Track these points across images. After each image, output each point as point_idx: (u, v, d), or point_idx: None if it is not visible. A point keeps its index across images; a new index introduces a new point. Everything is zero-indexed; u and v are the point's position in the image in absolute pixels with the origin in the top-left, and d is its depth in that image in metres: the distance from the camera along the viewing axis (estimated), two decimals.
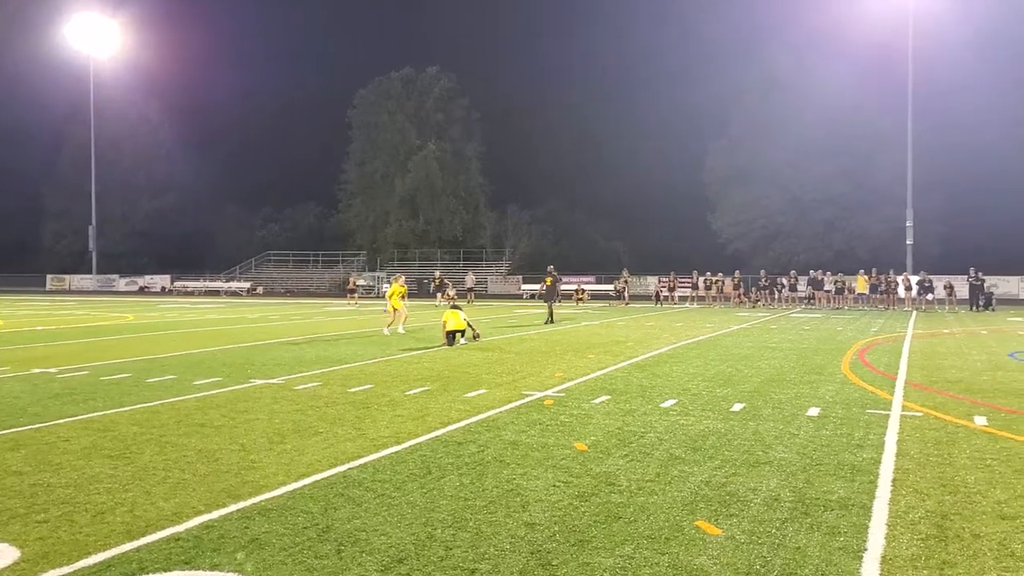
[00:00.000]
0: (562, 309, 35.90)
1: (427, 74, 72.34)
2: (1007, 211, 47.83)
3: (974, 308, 36.19)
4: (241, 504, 5.98)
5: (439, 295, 43.13)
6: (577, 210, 71.45)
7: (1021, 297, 43.72)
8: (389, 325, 21.48)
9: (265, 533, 5.35)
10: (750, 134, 58.80)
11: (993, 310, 35.35)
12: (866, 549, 5.04)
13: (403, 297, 21.72)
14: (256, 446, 7.92)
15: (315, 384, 12.04)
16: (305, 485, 6.50)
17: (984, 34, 48.72)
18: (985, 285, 36.87)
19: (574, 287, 45.84)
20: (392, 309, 21.42)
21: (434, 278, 46.16)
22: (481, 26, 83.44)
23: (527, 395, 10.91)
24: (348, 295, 45.11)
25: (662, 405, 10.18)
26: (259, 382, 12.27)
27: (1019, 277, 44.47)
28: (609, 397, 10.80)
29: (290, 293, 62.34)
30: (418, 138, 71.23)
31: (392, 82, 72.93)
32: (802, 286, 41.33)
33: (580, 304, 42.29)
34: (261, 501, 6.06)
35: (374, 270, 65.81)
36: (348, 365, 14.44)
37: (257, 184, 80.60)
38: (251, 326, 25.66)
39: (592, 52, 73.82)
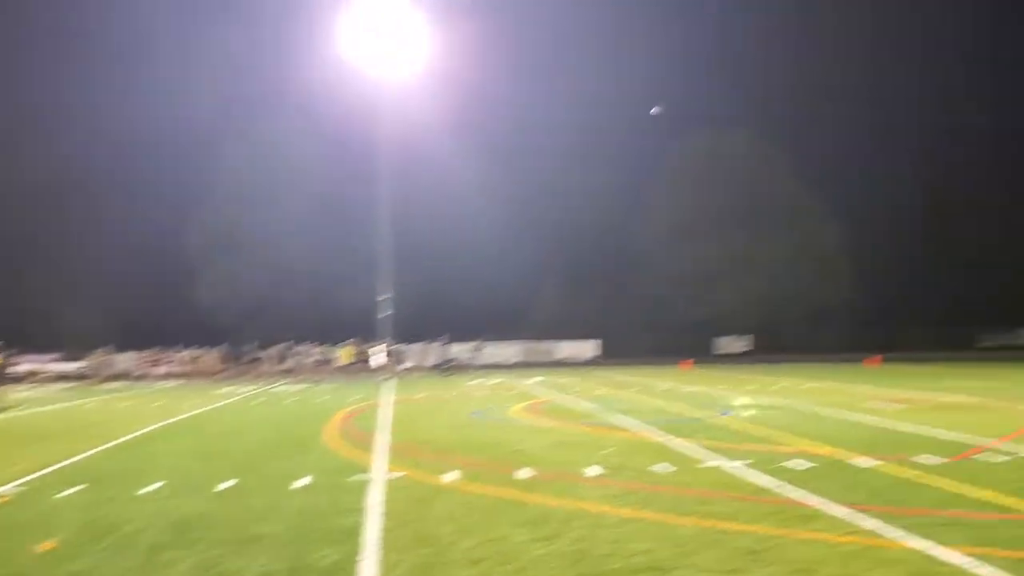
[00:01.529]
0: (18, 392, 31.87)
1: None
2: (470, 285, 53.94)
3: (439, 373, 39.96)
4: None
5: None
6: (31, 277, 63.37)
7: (475, 363, 48.91)
8: None
9: None
10: (238, 204, 58.66)
11: (453, 375, 39.37)
12: None
13: None
14: None
15: None
16: None
17: (454, 121, 54.89)
18: (451, 352, 41.02)
19: (27, 367, 40.69)
20: None
21: None
22: None
23: None
24: None
25: (146, 489, 9.52)
26: None
27: (471, 344, 49.78)
28: (85, 486, 9.79)
29: None
30: None
31: None
32: (287, 358, 41.94)
33: (34, 387, 37.86)
34: None
35: None
36: None
37: None
38: None
39: (64, 103, 67.65)
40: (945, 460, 10.42)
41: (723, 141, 51.68)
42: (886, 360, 39.23)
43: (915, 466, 10.05)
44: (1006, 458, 10.61)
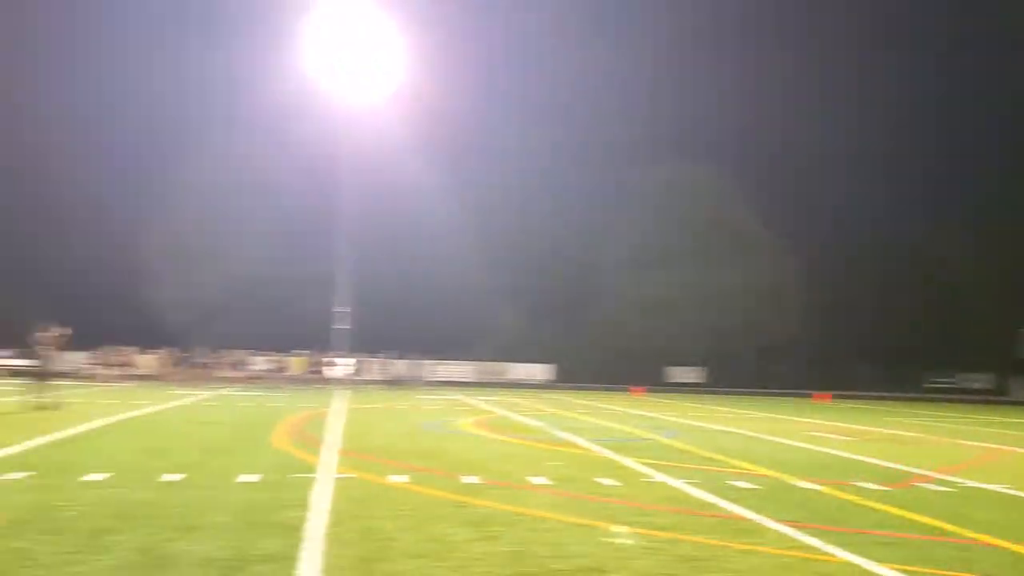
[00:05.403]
0: None
1: None
2: (429, 303, 53.89)
3: (391, 387, 39.76)
4: None
5: None
6: None
7: (427, 379, 48.35)
8: None
9: None
10: (192, 208, 58.01)
11: (405, 389, 39.19)
12: None
13: None
14: None
15: None
16: None
17: (418, 139, 54.86)
18: (403, 367, 41.01)
19: None
20: None
21: None
22: None
23: None
24: None
25: (91, 478, 9.42)
26: None
27: (424, 361, 49.05)
28: (30, 473, 9.64)
29: None
30: None
31: None
32: (241, 364, 41.56)
33: None
34: None
35: None
36: None
37: None
38: None
39: (27, 95, 66.54)
40: (885, 487, 10.65)
41: (682, 173, 52.31)
42: (835, 398, 39.84)
43: (856, 491, 10.27)
44: (944, 488, 10.88)
